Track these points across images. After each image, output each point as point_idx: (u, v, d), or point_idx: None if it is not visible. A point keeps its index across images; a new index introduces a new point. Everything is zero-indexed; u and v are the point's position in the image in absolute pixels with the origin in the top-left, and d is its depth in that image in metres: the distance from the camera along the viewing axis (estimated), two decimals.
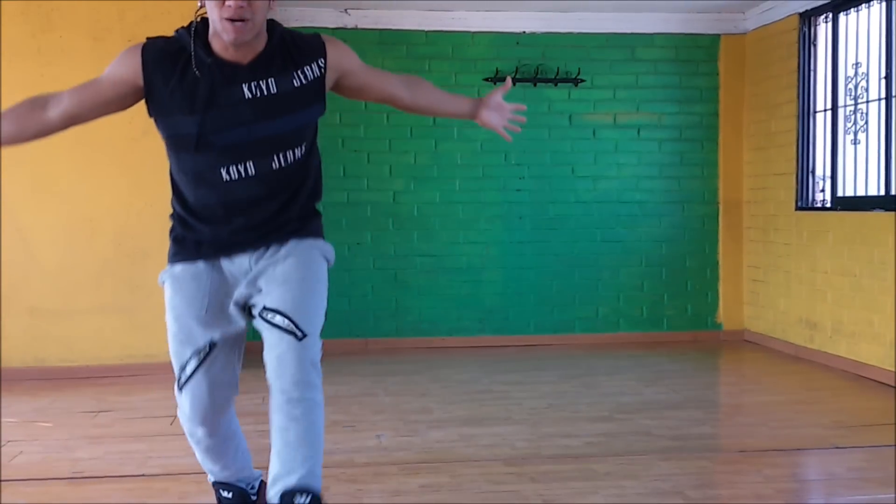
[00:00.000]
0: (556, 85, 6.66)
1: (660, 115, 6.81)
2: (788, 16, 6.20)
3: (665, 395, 4.99)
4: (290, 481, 2.36)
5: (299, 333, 2.43)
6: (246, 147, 2.40)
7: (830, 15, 5.87)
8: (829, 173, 5.93)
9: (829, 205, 5.90)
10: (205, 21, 2.41)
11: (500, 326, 6.69)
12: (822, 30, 6.01)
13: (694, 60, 6.81)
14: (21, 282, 5.51)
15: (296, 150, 2.47)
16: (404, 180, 6.60)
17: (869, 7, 5.51)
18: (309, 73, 2.46)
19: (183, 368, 2.53)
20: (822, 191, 6.03)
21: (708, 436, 4.25)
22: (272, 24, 2.45)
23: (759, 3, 6.44)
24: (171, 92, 2.37)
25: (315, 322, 2.51)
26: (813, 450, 3.92)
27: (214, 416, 2.57)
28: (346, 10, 6.42)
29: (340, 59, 2.53)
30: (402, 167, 6.59)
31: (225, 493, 2.76)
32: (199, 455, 2.71)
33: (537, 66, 6.64)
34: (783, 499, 3.28)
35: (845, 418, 4.41)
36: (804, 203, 6.12)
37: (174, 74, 2.37)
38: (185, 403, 2.55)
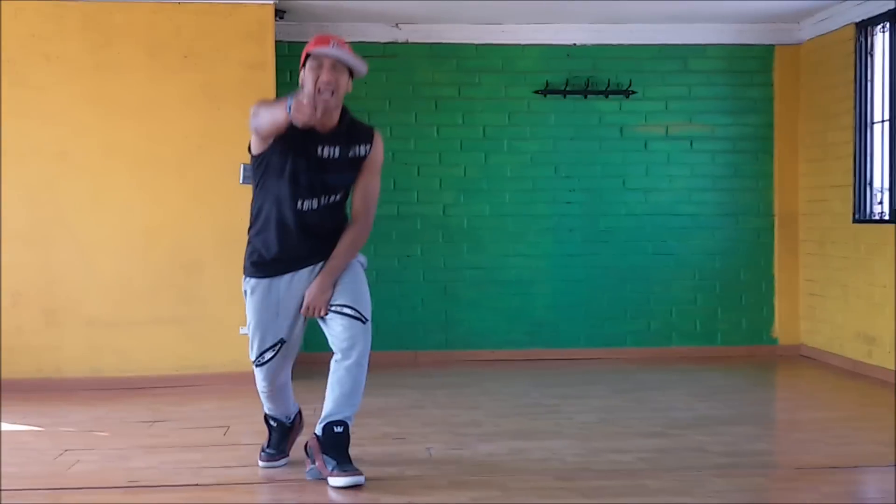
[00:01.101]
0: (606, 97, 6.63)
1: (713, 126, 6.74)
2: (844, 26, 6.11)
3: (719, 410, 4.92)
4: (337, 417, 3.44)
5: (364, 319, 3.45)
6: (317, 187, 3.42)
7: (888, 24, 5.76)
8: (887, 185, 5.81)
9: (887, 217, 5.78)
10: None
11: (550, 340, 6.66)
12: (880, 39, 5.90)
13: (748, 71, 6.73)
14: (79, 293, 5.63)
15: (341, 198, 3.54)
16: (454, 193, 6.61)
17: None
18: (359, 151, 3.49)
19: (261, 355, 3.55)
20: (881, 203, 5.91)
21: (763, 452, 4.17)
22: (344, 110, 3.41)
23: (814, 14, 6.35)
24: (277, 141, 3.38)
25: (369, 311, 3.50)
26: (871, 467, 3.83)
27: (276, 382, 3.66)
28: (396, 24, 6.47)
29: (375, 153, 3.54)
30: (452, 180, 6.60)
31: (272, 423, 3.82)
32: (263, 400, 3.75)
33: (588, 79, 6.61)
34: None
35: None
36: (862, 215, 6.00)
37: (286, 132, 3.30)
38: (259, 375, 3.62)
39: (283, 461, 3.81)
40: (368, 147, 3.49)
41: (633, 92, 6.63)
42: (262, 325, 3.51)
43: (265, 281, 3.49)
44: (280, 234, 3.43)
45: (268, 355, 3.55)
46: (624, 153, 6.69)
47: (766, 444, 4.34)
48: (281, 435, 3.83)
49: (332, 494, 3.45)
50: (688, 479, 3.60)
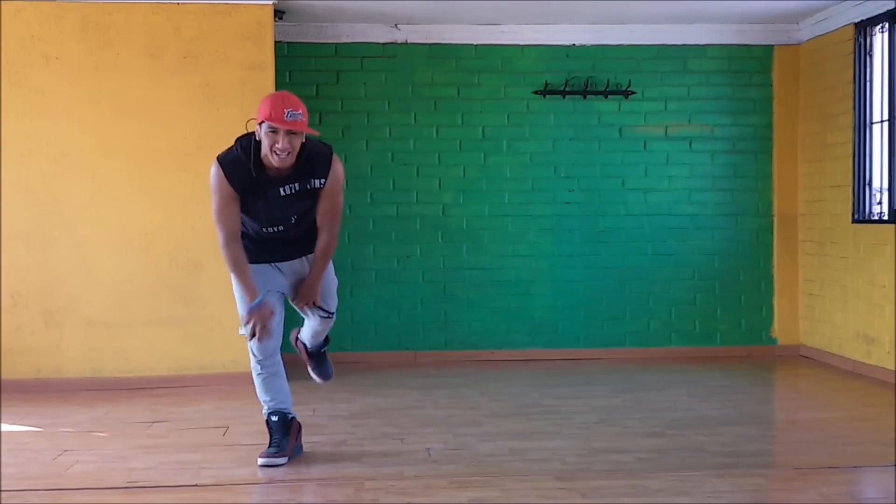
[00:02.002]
0: (606, 97, 6.63)
1: (712, 126, 6.74)
2: (843, 26, 6.11)
3: (718, 410, 4.92)
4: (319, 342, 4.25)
5: (332, 315, 4.09)
6: (278, 218, 3.75)
7: (887, 25, 5.77)
8: (886, 185, 5.81)
9: (886, 217, 5.78)
10: (257, 144, 3.59)
11: (549, 340, 6.66)
12: (879, 40, 5.90)
13: (747, 71, 6.74)
14: (78, 293, 5.63)
15: (307, 217, 3.80)
16: (453, 193, 6.61)
17: None
18: (315, 184, 3.70)
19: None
20: (880, 203, 5.91)
21: (763, 452, 4.17)
22: (301, 145, 3.60)
23: (813, 14, 6.35)
24: (243, 190, 3.67)
25: (335, 304, 4.09)
26: (870, 467, 3.83)
27: (267, 352, 3.84)
28: (396, 24, 6.47)
29: (331, 182, 3.72)
30: (452, 180, 6.61)
31: (273, 418, 3.92)
32: (259, 388, 3.92)
33: (587, 79, 6.61)
34: None
35: None
36: (861, 216, 6.00)
37: (244, 180, 3.64)
38: (255, 347, 3.81)
39: (283, 460, 3.85)
40: (323, 180, 3.70)
41: (633, 92, 6.63)
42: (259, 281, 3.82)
43: (257, 266, 3.83)
44: (258, 245, 3.83)
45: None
46: (623, 153, 6.69)
47: (765, 445, 4.34)
48: (282, 433, 3.90)
49: (330, 495, 3.45)
50: (687, 479, 3.61)
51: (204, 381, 5.65)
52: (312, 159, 3.66)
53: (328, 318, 4.06)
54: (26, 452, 4.11)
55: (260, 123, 3.52)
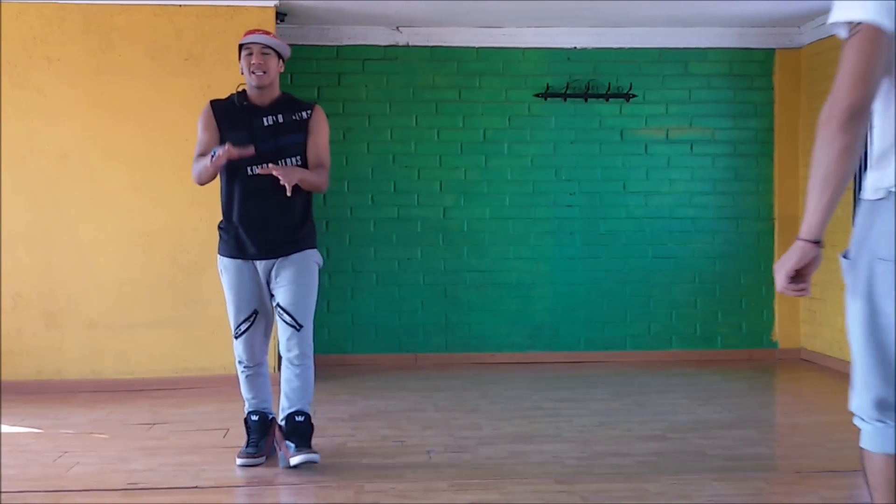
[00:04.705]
0: (607, 100, 6.63)
1: (713, 130, 6.74)
2: None
3: (719, 414, 4.92)
4: (294, 409, 3.84)
5: (299, 326, 3.87)
6: (264, 152, 3.80)
7: None
8: None
9: None
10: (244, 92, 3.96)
11: (550, 343, 6.66)
12: None
13: (748, 75, 6.74)
14: (79, 295, 5.63)
15: (294, 159, 3.87)
16: (454, 196, 6.61)
17: None
18: (302, 115, 3.91)
19: (238, 326, 3.91)
20: None
21: (763, 456, 4.17)
22: (283, 93, 3.96)
23: (814, 18, 6.35)
24: (227, 121, 3.93)
25: (310, 316, 3.91)
26: None
27: (255, 353, 3.95)
28: (397, 27, 6.47)
29: (318, 116, 3.93)
30: (453, 183, 6.61)
31: (254, 417, 3.98)
32: (243, 385, 4.00)
33: (588, 82, 6.62)
34: None
35: None
36: None
37: (230, 113, 3.94)
38: (239, 347, 3.93)
39: (261, 460, 3.91)
40: (309, 111, 3.92)
41: (634, 95, 6.63)
42: (237, 299, 3.89)
43: (236, 261, 3.88)
44: (239, 202, 3.85)
45: (244, 326, 3.90)
46: (624, 156, 6.69)
47: (765, 448, 4.34)
48: (261, 433, 3.96)
49: (330, 497, 3.45)
50: (688, 482, 3.61)
51: (204, 382, 5.65)
52: (295, 99, 3.98)
53: (294, 327, 3.83)
54: (27, 454, 4.11)
55: (239, 56, 3.87)
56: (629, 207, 6.69)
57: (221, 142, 3.79)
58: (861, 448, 2.23)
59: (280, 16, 5.92)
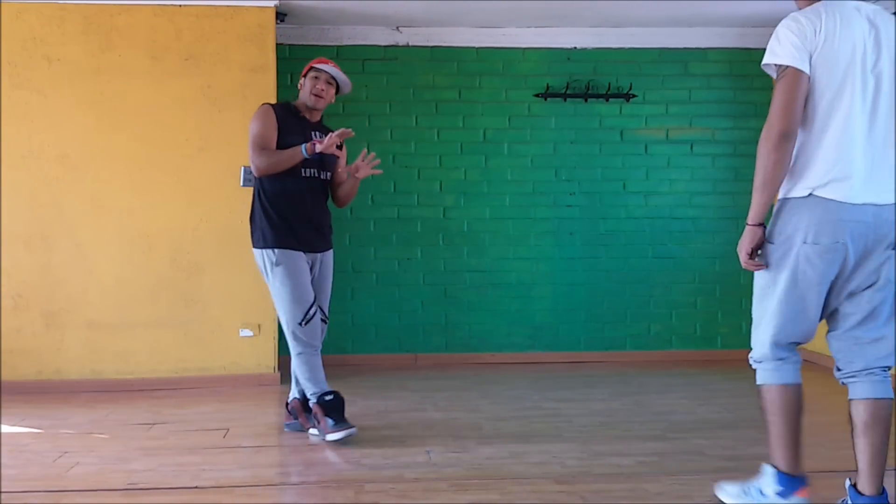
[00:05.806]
0: (607, 100, 6.64)
1: (713, 130, 6.74)
2: None
3: (719, 414, 4.92)
4: (325, 389, 4.28)
5: (327, 320, 4.47)
6: (312, 161, 4.29)
7: None
8: None
9: None
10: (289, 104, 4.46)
11: (550, 343, 6.66)
12: None
13: (748, 75, 6.74)
14: (79, 295, 5.63)
15: (329, 173, 4.41)
16: (454, 196, 6.61)
17: None
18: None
19: (307, 312, 4.21)
20: None
21: (763, 456, 4.15)
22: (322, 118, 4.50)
23: None
24: (285, 122, 4.33)
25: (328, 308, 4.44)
26: None
27: (318, 338, 4.28)
28: (397, 27, 6.47)
29: (344, 148, 4.39)
30: (453, 183, 6.61)
31: (328, 397, 4.21)
32: (308, 370, 4.24)
33: (588, 82, 6.62)
34: None
35: None
36: None
37: (288, 120, 4.36)
38: (308, 332, 4.23)
39: (355, 429, 4.21)
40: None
41: (634, 95, 6.63)
42: (300, 287, 4.20)
43: (297, 252, 4.22)
44: (295, 198, 4.24)
45: (312, 311, 4.22)
46: (624, 157, 6.69)
47: (765, 448, 4.32)
48: (342, 406, 4.24)
49: (331, 497, 3.45)
50: (688, 482, 3.61)
51: (204, 382, 5.66)
52: (326, 125, 4.51)
53: (324, 321, 4.39)
54: (26, 454, 4.11)
55: (307, 73, 4.34)
56: (629, 207, 6.69)
57: (279, 142, 4.21)
58: (758, 386, 3.11)
59: (280, 16, 5.92)
